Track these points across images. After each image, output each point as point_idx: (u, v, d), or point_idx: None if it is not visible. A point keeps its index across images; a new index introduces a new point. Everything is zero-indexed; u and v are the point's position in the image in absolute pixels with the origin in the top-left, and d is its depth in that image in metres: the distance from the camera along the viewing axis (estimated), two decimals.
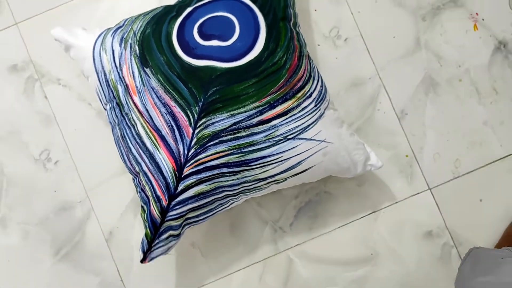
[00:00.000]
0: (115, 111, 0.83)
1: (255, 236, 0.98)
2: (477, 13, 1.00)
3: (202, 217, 0.85)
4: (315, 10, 1.01)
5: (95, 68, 0.83)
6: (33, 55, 1.00)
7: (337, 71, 1.00)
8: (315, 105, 0.82)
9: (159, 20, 0.83)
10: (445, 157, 0.99)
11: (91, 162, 0.99)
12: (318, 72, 0.86)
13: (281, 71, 0.80)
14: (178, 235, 0.84)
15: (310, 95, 0.82)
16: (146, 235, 0.82)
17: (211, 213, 0.85)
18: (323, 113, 0.83)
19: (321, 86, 0.85)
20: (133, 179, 0.85)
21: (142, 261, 0.84)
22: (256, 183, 0.82)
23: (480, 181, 0.98)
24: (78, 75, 1.00)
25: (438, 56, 1.00)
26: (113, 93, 0.82)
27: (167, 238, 0.82)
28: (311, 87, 0.82)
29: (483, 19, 1.00)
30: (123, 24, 0.85)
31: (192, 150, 0.78)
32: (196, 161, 0.78)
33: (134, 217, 0.99)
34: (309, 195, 0.99)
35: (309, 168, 0.82)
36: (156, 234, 0.81)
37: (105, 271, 0.98)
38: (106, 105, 0.85)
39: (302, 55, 0.83)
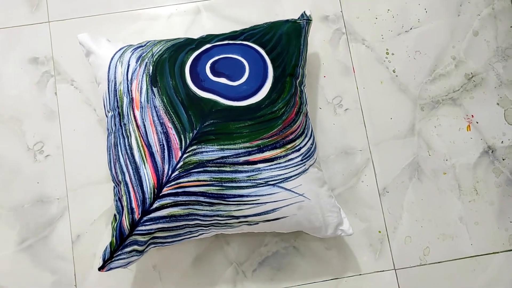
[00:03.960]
0: (115, 119, 0.87)
1: (216, 273, 0.99)
2: (472, 115, 1.06)
3: (169, 240, 0.86)
4: (324, 76, 1.07)
5: (108, 76, 0.88)
6: (56, 54, 1.06)
7: (331, 136, 1.04)
8: (301, 160, 0.86)
9: (178, 49, 0.89)
10: (416, 242, 1.01)
11: (80, 164, 1.02)
12: (312, 131, 0.91)
13: (277, 121, 0.84)
14: (141, 252, 0.85)
15: (299, 149, 0.86)
16: (111, 243, 0.84)
17: (179, 238, 0.87)
18: (307, 169, 0.86)
19: (312, 144, 0.89)
20: (114, 187, 0.88)
21: (100, 268, 0.85)
22: (228, 220, 0.84)
23: (445, 274, 1.00)
24: (91, 81, 1.05)
25: (428, 146, 1.05)
26: (117, 102, 0.87)
27: (130, 252, 0.84)
28: (301, 142, 0.87)
29: (477, 122, 1.06)
30: (145, 45, 0.91)
31: (176, 172, 0.81)
32: (177, 183, 0.81)
33: (105, 226, 1.00)
34: (277, 246, 1.00)
35: (281, 218, 0.85)
36: (121, 245, 0.83)
37: (62, 272, 0.99)
38: (109, 112, 0.89)
39: (300, 112, 0.88)
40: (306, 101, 0.92)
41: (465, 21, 1.10)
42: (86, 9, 1.08)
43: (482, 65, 1.08)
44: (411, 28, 1.10)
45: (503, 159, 1.05)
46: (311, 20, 0.96)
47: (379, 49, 1.09)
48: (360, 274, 1.00)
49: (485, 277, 1.00)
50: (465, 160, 1.05)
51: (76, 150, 1.03)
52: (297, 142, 0.86)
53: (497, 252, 1.01)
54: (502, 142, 1.05)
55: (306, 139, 0.88)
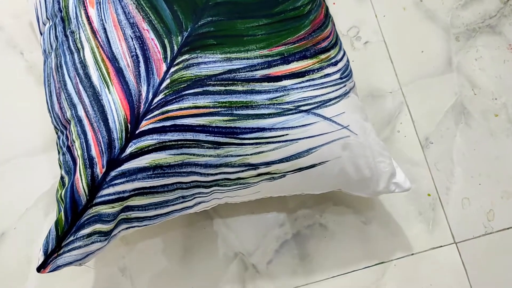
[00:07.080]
0: (56, 30, 0.56)
1: (216, 272, 0.68)
2: None
3: (150, 213, 0.55)
4: (334, 3, 0.83)
5: None
6: None
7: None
8: (341, 78, 0.59)
9: None
10: (476, 205, 0.76)
11: (2, 130, 0.69)
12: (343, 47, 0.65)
13: (303, 20, 0.58)
14: (107, 235, 0.53)
15: (336, 64, 0.59)
16: (57, 223, 0.52)
17: (166, 209, 0.56)
18: (348, 92, 0.60)
19: (347, 61, 0.63)
20: (57, 138, 0.56)
21: (40, 268, 0.52)
22: (241, 172, 0.55)
23: None
24: (15, 15, 0.74)
25: (472, 83, 0.82)
26: (59, 3, 0.56)
27: (89, 235, 0.52)
28: (337, 54, 0.60)
29: None
30: None
31: (161, 96, 0.51)
32: (162, 113, 0.51)
33: (44, 216, 0.67)
34: (298, 226, 0.72)
35: (319, 164, 0.57)
36: (75, 224, 0.51)
37: None
38: (45, 24, 0.59)
39: (328, 16, 0.63)
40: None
41: None
42: None
43: None
44: None
45: None
46: None
47: None
48: (412, 254, 0.73)
49: None
50: None
51: None
52: (333, 53, 0.59)
53: None
54: None
55: (342, 52, 0.62)
